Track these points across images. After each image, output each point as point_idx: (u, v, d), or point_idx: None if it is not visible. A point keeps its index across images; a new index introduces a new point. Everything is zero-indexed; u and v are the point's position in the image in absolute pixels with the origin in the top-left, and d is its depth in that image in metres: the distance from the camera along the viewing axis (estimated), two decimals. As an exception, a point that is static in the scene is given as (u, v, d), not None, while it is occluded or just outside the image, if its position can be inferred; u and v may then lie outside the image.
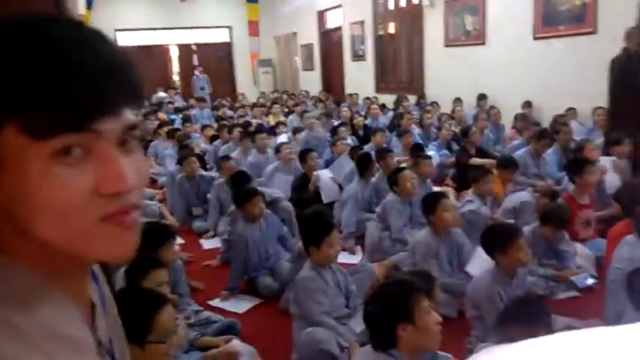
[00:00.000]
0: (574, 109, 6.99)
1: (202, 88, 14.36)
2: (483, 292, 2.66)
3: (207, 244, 4.91)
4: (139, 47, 14.93)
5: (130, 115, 0.52)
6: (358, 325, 2.64)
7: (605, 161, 4.71)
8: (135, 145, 0.53)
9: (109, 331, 0.66)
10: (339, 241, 2.94)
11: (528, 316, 2.05)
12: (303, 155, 5.35)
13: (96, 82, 0.47)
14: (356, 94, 11.32)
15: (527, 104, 7.72)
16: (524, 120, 7.12)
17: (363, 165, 4.83)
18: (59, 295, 0.54)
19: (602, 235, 3.98)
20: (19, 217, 0.49)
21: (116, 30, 14.40)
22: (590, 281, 3.53)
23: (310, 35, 14.27)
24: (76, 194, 0.48)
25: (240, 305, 3.62)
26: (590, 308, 3.22)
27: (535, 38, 7.68)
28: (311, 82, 14.53)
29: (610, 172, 4.55)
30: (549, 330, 2.05)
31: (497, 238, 2.74)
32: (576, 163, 4.08)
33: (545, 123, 7.05)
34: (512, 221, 3.95)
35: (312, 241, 2.82)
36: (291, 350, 2.86)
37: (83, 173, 0.48)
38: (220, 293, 3.73)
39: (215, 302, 3.66)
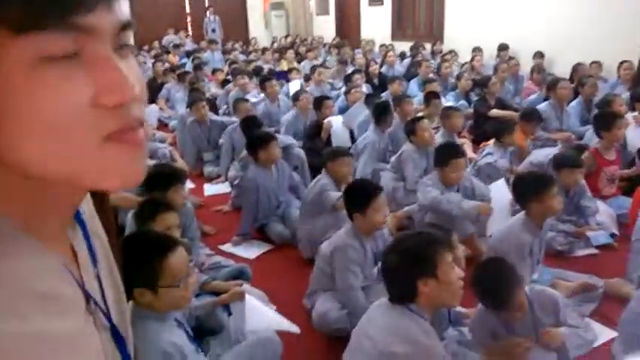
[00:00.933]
0: (598, 62, 6.70)
1: (214, 31, 14.00)
2: (512, 242, 2.58)
3: (210, 190, 4.84)
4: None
5: (125, 9, 0.42)
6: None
7: (628, 117, 4.53)
8: (130, 50, 0.44)
9: (101, 284, 0.56)
10: (386, 206, 2.66)
11: (499, 278, 1.99)
12: (318, 103, 5.19)
13: None
14: (372, 40, 10.97)
15: (539, 55, 7.45)
16: (542, 72, 6.86)
17: (380, 113, 4.67)
18: (35, 242, 0.44)
19: (625, 193, 3.87)
20: None
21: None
22: (605, 239, 3.44)
23: (326, -23, 13.73)
24: (73, 105, 0.40)
25: (251, 251, 3.59)
26: (609, 266, 3.14)
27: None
28: (325, 27, 14.09)
29: (632, 128, 4.37)
30: (520, 291, 2.00)
31: (531, 185, 2.66)
32: (605, 117, 3.91)
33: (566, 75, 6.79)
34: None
35: (356, 206, 2.57)
36: (304, 295, 2.82)
37: (79, 81, 0.40)
38: (231, 238, 3.70)
39: (226, 247, 3.63)
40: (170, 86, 7.61)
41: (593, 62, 6.74)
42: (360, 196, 2.59)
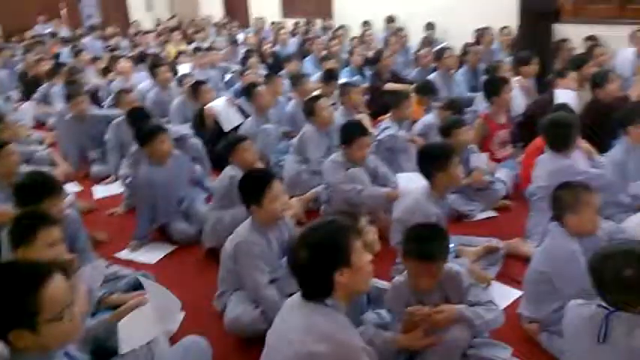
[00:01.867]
0: (488, 28, 6.95)
1: (89, 16, 12.92)
2: (420, 214, 2.58)
3: (100, 192, 4.46)
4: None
5: None
6: None
7: (512, 81, 4.76)
8: None
9: None
10: (283, 193, 2.55)
11: (430, 240, 2.02)
12: (195, 89, 4.92)
13: None
14: (262, 18, 10.71)
15: (430, 26, 7.67)
16: (432, 43, 7.06)
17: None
18: None
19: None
20: None
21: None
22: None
23: (208, -47, 13.14)
24: None
25: (152, 255, 3.32)
26: (508, 227, 3.28)
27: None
28: (212, 5, 13.53)
29: (517, 91, 4.60)
30: (447, 251, 2.07)
31: (434, 156, 2.70)
32: (493, 83, 4.07)
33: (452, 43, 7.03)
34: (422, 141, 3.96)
35: (251, 198, 2.43)
36: (214, 297, 2.64)
37: None
38: (128, 244, 3.40)
39: (123, 254, 3.34)
40: (46, 86, 6.76)
41: (479, 29, 6.96)
42: (253, 186, 2.46)
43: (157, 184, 3.40)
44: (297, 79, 4.97)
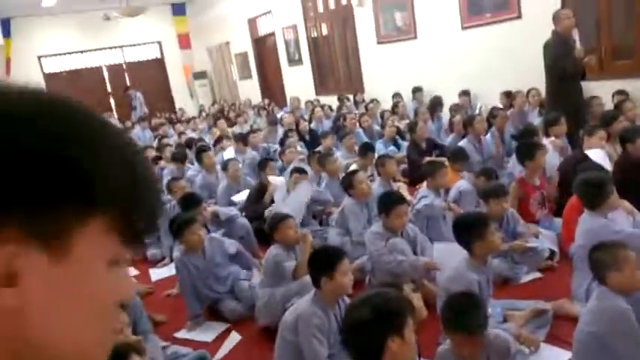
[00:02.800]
0: (509, 91, 7.16)
1: (134, 108, 13.88)
2: (461, 282, 2.66)
3: (156, 274, 4.69)
4: (68, 72, 14.31)
5: None
6: None
7: (545, 142, 4.87)
8: None
9: None
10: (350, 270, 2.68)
11: (464, 311, 2.10)
12: (263, 165, 5.28)
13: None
14: (297, 98, 11.28)
15: (465, 93, 7.90)
16: (457, 110, 7.28)
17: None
18: None
19: (555, 214, 4.11)
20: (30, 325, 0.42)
21: (40, 57, 13.74)
22: (548, 245, 3.66)
23: (243, 43, 14.10)
24: (114, 300, 0.48)
25: (208, 333, 3.48)
26: (554, 288, 3.30)
27: (463, 28, 7.88)
28: (249, 90, 14.36)
29: (551, 152, 4.71)
30: (485, 321, 2.12)
31: (471, 226, 2.79)
32: (528, 148, 4.17)
33: (485, 109, 7.23)
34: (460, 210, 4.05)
35: (322, 271, 2.54)
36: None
37: (119, 282, 0.49)
38: (185, 324, 3.58)
39: (181, 334, 3.50)
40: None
41: (515, 92, 7.14)
42: (326, 260, 2.60)
43: (192, 269, 3.60)
44: (323, 158, 5.27)
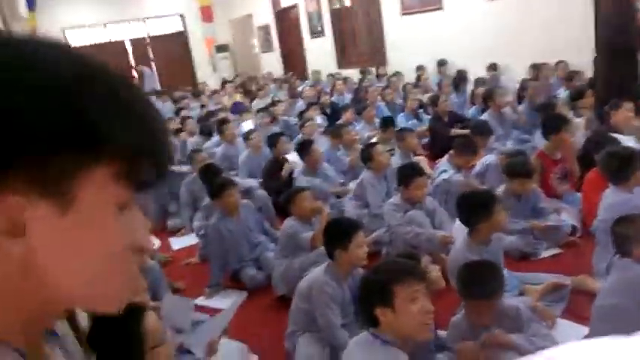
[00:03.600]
0: (545, 63, 6.94)
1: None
2: (460, 263, 2.63)
3: (177, 243, 4.76)
4: (92, 45, 14.43)
5: None
6: None
7: (578, 122, 4.72)
8: None
9: None
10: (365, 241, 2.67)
11: (481, 278, 2.10)
12: (274, 139, 5.23)
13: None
14: (318, 71, 11.19)
15: (493, 67, 7.71)
16: (482, 83, 7.12)
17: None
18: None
19: (578, 189, 4.02)
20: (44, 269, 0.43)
21: (64, 29, 13.86)
22: (571, 221, 3.59)
23: (266, 16, 13.98)
24: (126, 245, 0.48)
25: (226, 301, 3.52)
26: (575, 264, 3.24)
27: (490, -1, 7.66)
28: (271, 63, 14.29)
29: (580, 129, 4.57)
30: (501, 288, 2.13)
31: (477, 206, 2.72)
32: (552, 121, 4.06)
33: (512, 82, 7.07)
34: (480, 185, 4.00)
35: (337, 242, 2.53)
36: (285, 338, 2.79)
37: (131, 227, 0.48)
38: (203, 291, 3.65)
39: (199, 301, 3.56)
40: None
41: (541, 64, 6.94)
42: (341, 231, 2.60)
43: (226, 234, 3.66)
44: (339, 129, 5.24)
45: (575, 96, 4.87)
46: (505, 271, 2.85)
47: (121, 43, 15.43)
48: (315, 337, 2.61)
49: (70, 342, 0.62)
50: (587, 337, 2.44)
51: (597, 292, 2.48)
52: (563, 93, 5.81)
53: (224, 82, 13.23)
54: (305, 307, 2.62)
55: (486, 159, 4.34)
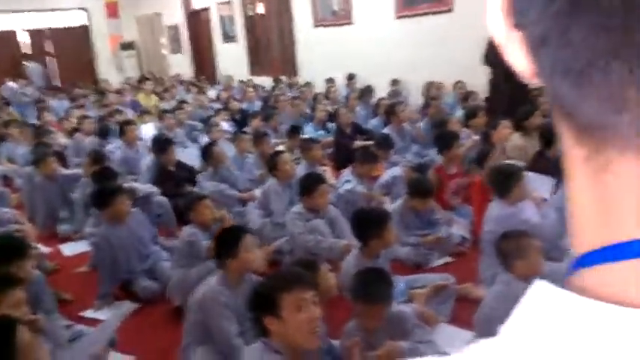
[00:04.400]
0: (440, 83, 7.35)
1: (31, 82, 13.04)
2: (349, 276, 2.69)
3: (69, 249, 4.48)
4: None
5: None
6: None
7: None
8: None
9: None
10: (255, 245, 2.65)
11: (370, 284, 2.18)
12: (163, 147, 4.97)
13: None
14: (230, 76, 11.06)
15: (394, 82, 8.05)
16: (396, 96, 7.42)
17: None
18: None
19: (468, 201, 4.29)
20: None
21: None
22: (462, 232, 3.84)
23: (176, 16, 13.60)
24: None
25: (116, 313, 3.35)
26: (464, 272, 3.44)
27: (397, 17, 8.00)
28: (180, 65, 13.91)
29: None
30: (390, 294, 2.22)
31: (370, 223, 2.81)
32: (444, 137, 4.32)
33: (413, 99, 7.42)
34: (384, 197, 4.17)
35: (227, 251, 2.50)
36: (179, 352, 2.68)
37: None
38: (92, 303, 3.43)
39: (88, 313, 3.35)
40: (9, 144, 6.85)
41: (429, 82, 7.37)
42: (228, 239, 2.57)
43: (115, 243, 3.48)
44: (258, 137, 5.16)
45: (469, 115, 5.20)
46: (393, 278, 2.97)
47: (13, 34, 14.30)
48: (210, 349, 2.55)
49: None
50: (470, 342, 2.58)
51: (481, 300, 2.65)
52: (459, 112, 6.18)
53: (140, 80, 12.58)
54: (199, 318, 2.55)
55: (392, 171, 4.51)
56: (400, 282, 3.03)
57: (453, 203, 4.24)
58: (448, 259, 3.71)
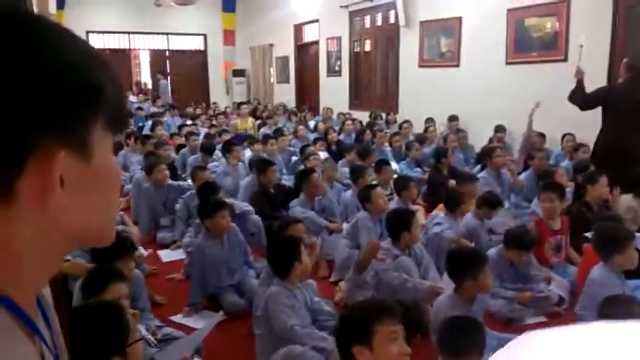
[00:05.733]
0: (542, 133, 7.05)
1: (159, 96, 14.19)
2: (441, 317, 2.61)
3: (166, 256, 4.74)
4: (111, 50, 14.70)
5: None
6: None
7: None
8: None
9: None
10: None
11: (463, 333, 2.07)
12: (263, 167, 5.10)
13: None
14: (330, 108, 11.32)
15: (501, 128, 7.79)
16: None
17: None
18: (20, 333, 0.52)
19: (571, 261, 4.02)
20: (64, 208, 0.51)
21: (88, 32, 14.11)
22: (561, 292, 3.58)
23: (286, 48, 14.24)
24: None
25: (203, 321, 3.46)
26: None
27: (507, 63, 7.82)
28: (285, 94, 14.47)
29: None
30: (483, 348, 2.08)
31: (466, 263, 2.72)
32: (543, 189, 4.10)
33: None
34: (469, 243, 3.99)
35: (287, 258, 2.78)
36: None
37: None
38: (183, 309, 3.59)
39: (177, 318, 3.52)
40: (125, 152, 7.49)
41: (538, 134, 7.06)
42: (286, 248, 2.86)
43: (208, 256, 3.63)
44: (357, 171, 5.18)
45: (578, 169, 4.92)
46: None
47: (138, 52, 15.75)
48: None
49: (48, 295, 0.63)
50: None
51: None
52: (566, 163, 5.87)
53: (239, 104, 13.31)
54: (265, 326, 2.70)
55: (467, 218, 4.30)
56: (493, 338, 2.88)
57: (551, 261, 3.99)
58: (543, 318, 3.48)
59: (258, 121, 10.49)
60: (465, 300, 2.70)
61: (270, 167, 5.13)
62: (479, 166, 6.42)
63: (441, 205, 4.62)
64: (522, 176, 5.71)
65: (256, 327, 2.81)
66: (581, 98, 5.06)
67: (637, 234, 3.61)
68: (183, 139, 7.82)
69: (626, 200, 4.28)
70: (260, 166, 5.18)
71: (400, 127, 8.80)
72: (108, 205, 0.57)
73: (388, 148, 7.48)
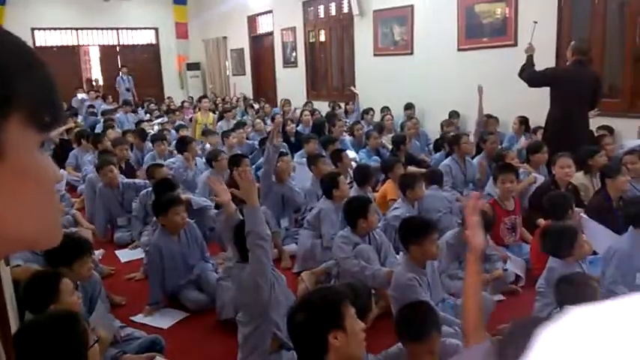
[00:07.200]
0: (495, 117, 7.23)
1: (127, 90, 13.79)
2: (400, 281, 2.79)
3: (125, 256, 4.64)
4: (59, 47, 14.18)
5: None
6: None
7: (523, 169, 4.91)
8: None
9: None
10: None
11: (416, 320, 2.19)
12: (236, 162, 5.04)
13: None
14: (288, 100, 11.27)
15: (455, 114, 7.94)
16: (448, 128, 7.34)
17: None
18: None
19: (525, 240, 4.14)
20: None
21: (33, 29, 13.56)
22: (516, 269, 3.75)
23: (241, 40, 14.07)
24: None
25: (165, 320, 3.43)
26: (516, 312, 3.31)
27: (459, 49, 7.96)
28: (242, 87, 14.32)
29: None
30: (436, 326, 2.20)
31: (414, 230, 2.91)
32: (499, 171, 4.21)
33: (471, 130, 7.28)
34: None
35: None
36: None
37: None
38: (143, 308, 3.52)
39: (138, 317, 3.45)
40: (77, 152, 7.29)
41: (489, 116, 7.22)
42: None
43: (165, 253, 3.57)
44: (314, 159, 5.20)
45: (531, 150, 5.06)
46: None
47: (87, 49, 15.24)
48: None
49: None
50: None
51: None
52: (516, 146, 6.04)
53: (200, 98, 13.03)
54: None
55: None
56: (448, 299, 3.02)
57: (506, 241, 4.10)
58: (501, 297, 3.58)
59: (216, 115, 10.34)
60: (416, 264, 2.89)
61: (244, 160, 5.08)
62: (440, 153, 6.50)
63: (389, 181, 4.87)
64: (476, 159, 5.83)
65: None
66: (529, 73, 5.23)
67: (583, 215, 3.78)
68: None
69: (577, 178, 4.44)
70: (232, 160, 5.11)
71: (362, 115, 8.88)
72: (44, 206, 0.53)
73: (348, 138, 7.51)
